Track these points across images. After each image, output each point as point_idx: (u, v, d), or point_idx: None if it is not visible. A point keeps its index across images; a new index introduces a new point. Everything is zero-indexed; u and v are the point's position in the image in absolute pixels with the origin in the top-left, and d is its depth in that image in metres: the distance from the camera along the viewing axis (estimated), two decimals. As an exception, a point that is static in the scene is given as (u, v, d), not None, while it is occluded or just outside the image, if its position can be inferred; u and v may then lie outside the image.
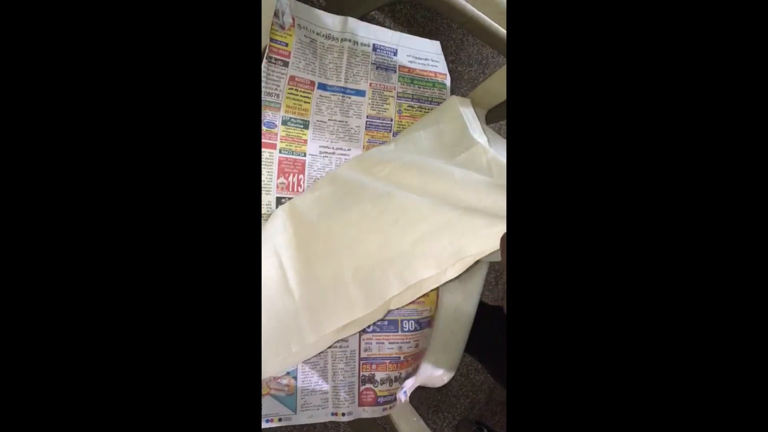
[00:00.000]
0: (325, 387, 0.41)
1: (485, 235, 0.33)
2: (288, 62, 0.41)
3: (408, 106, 0.48)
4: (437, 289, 0.44)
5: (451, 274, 0.35)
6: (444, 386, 0.50)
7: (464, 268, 0.35)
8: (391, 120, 0.47)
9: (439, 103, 0.49)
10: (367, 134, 0.46)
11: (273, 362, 0.38)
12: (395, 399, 0.43)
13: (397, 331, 0.43)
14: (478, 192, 0.35)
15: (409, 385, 0.44)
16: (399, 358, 0.43)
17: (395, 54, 0.48)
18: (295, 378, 0.40)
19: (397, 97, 0.47)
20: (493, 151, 0.40)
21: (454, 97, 0.46)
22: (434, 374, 0.48)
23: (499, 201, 0.34)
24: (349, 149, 0.45)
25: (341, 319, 0.37)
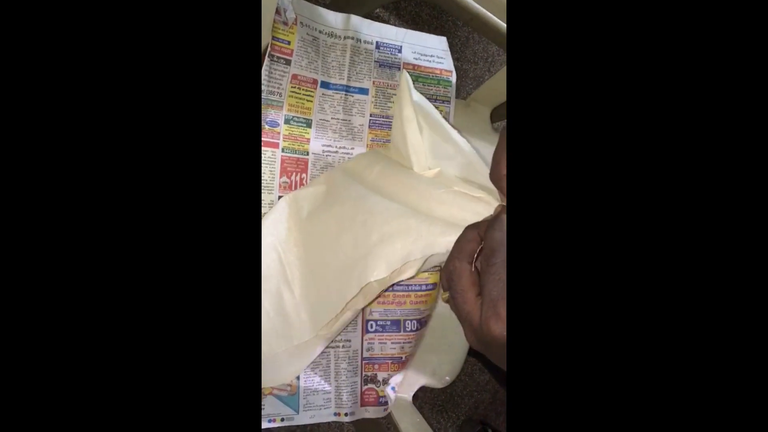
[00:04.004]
0: (328, 387, 0.41)
1: (440, 242, 0.33)
2: (290, 60, 0.41)
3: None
4: (437, 288, 0.44)
5: (408, 274, 0.35)
6: (448, 386, 0.50)
7: (419, 269, 0.35)
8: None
9: (443, 101, 0.49)
10: (370, 133, 0.45)
11: (281, 361, 0.38)
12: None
13: (400, 331, 0.43)
14: (442, 201, 0.36)
15: (396, 381, 0.43)
16: (401, 358, 0.43)
17: (400, 51, 0.47)
18: (298, 378, 0.40)
19: (401, 95, 0.47)
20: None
21: (402, 81, 0.43)
22: (438, 374, 0.48)
23: (456, 211, 0.35)
24: (352, 148, 0.45)
25: (324, 318, 0.37)
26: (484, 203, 0.34)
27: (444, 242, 0.33)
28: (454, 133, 0.39)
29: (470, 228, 0.29)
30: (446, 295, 0.30)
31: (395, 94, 0.46)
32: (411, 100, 0.41)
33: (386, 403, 0.42)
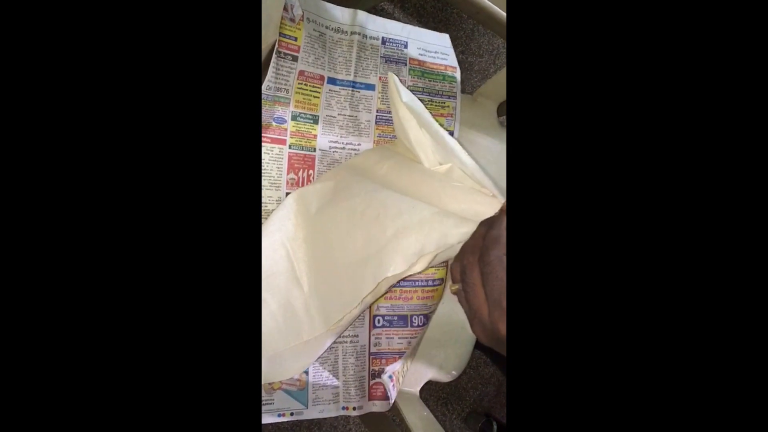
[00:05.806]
0: (336, 382, 0.41)
1: (453, 234, 0.33)
2: (297, 57, 0.41)
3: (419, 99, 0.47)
4: (444, 283, 0.44)
5: (418, 268, 0.35)
6: (453, 379, 0.50)
7: (429, 263, 0.35)
8: (402, 114, 0.46)
9: (449, 97, 0.49)
10: (377, 129, 0.45)
11: (289, 356, 0.38)
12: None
13: (407, 326, 0.43)
14: (455, 197, 0.37)
15: (393, 369, 0.42)
16: (407, 353, 0.43)
17: (406, 47, 0.47)
18: (307, 373, 0.40)
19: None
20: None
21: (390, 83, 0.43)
22: (444, 369, 0.49)
23: (470, 206, 0.35)
24: (359, 144, 0.45)
25: (338, 314, 0.38)
26: (499, 200, 0.35)
27: (457, 234, 0.33)
28: (446, 135, 0.39)
29: (483, 224, 0.29)
30: (456, 287, 0.30)
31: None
32: (401, 101, 0.41)
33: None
